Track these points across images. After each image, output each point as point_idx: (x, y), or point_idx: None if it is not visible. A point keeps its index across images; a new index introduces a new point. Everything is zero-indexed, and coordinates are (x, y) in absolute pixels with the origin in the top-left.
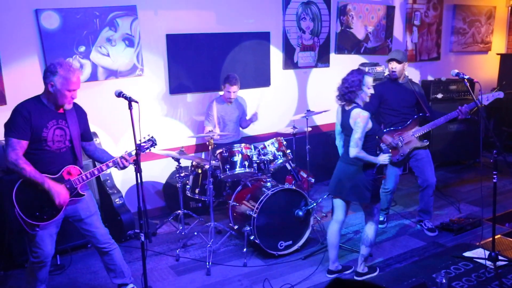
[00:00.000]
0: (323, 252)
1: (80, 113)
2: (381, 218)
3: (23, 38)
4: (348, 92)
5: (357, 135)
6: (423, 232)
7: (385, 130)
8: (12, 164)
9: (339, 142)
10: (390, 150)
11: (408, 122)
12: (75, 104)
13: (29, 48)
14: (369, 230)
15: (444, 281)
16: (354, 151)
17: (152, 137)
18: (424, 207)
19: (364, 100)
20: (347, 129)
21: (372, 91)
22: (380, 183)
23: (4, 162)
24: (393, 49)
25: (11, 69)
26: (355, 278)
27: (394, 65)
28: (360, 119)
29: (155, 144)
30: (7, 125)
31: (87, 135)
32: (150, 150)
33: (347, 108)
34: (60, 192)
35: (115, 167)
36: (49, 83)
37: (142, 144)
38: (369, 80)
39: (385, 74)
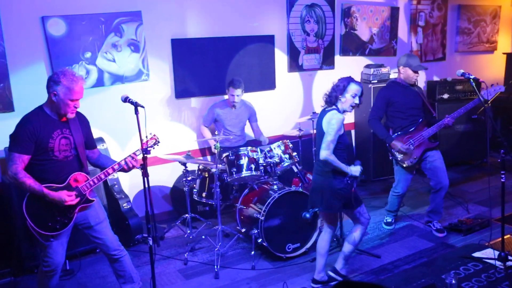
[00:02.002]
0: (331, 254)
1: (82, 121)
2: (389, 220)
3: (29, 45)
4: (330, 95)
5: (329, 137)
6: (431, 233)
7: (394, 135)
8: (12, 177)
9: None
10: (402, 155)
11: (417, 124)
12: (77, 112)
13: (36, 55)
14: (356, 232)
15: (453, 281)
16: (324, 153)
17: (154, 135)
18: (435, 208)
19: (344, 109)
20: (319, 132)
21: (356, 101)
22: (350, 189)
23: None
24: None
25: (19, 76)
26: (329, 272)
27: (417, 74)
28: (335, 120)
29: (158, 142)
30: (11, 139)
31: (90, 143)
32: (154, 148)
33: (326, 109)
34: (63, 198)
35: (121, 170)
36: (52, 92)
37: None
38: (353, 88)
39: (391, 77)
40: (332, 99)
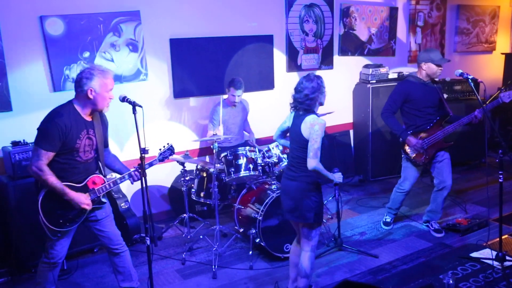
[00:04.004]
0: (329, 254)
1: (104, 122)
2: (388, 219)
3: (28, 45)
4: (308, 99)
5: (316, 145)
6: (429, 233)
7: (409, 132)
8: (35, 173)
9: (277, 137)
10: (415, 154)
11: (432, 124)
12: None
13: (34, 54)
14: (304, 258)
15: (451, 282)
16: (314, 162)
17: (171, 145)
18: (435, 208)
19: (321, 103)
20: (295, 136)
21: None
22: (322, 202)
23: (10, 167)
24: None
25: (17, 75)
26: None
27: (441, 68)
28: (319, 126)
29: (173, 152)
30: (40, 132)
31: (105, 142)
32: (168, 158)
33: (301, 113)
34: (82, 201)
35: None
36: (89, 89)
37: (162, 153)
38: (324, 82)
39: (406, 73)
40: (310, 104)
